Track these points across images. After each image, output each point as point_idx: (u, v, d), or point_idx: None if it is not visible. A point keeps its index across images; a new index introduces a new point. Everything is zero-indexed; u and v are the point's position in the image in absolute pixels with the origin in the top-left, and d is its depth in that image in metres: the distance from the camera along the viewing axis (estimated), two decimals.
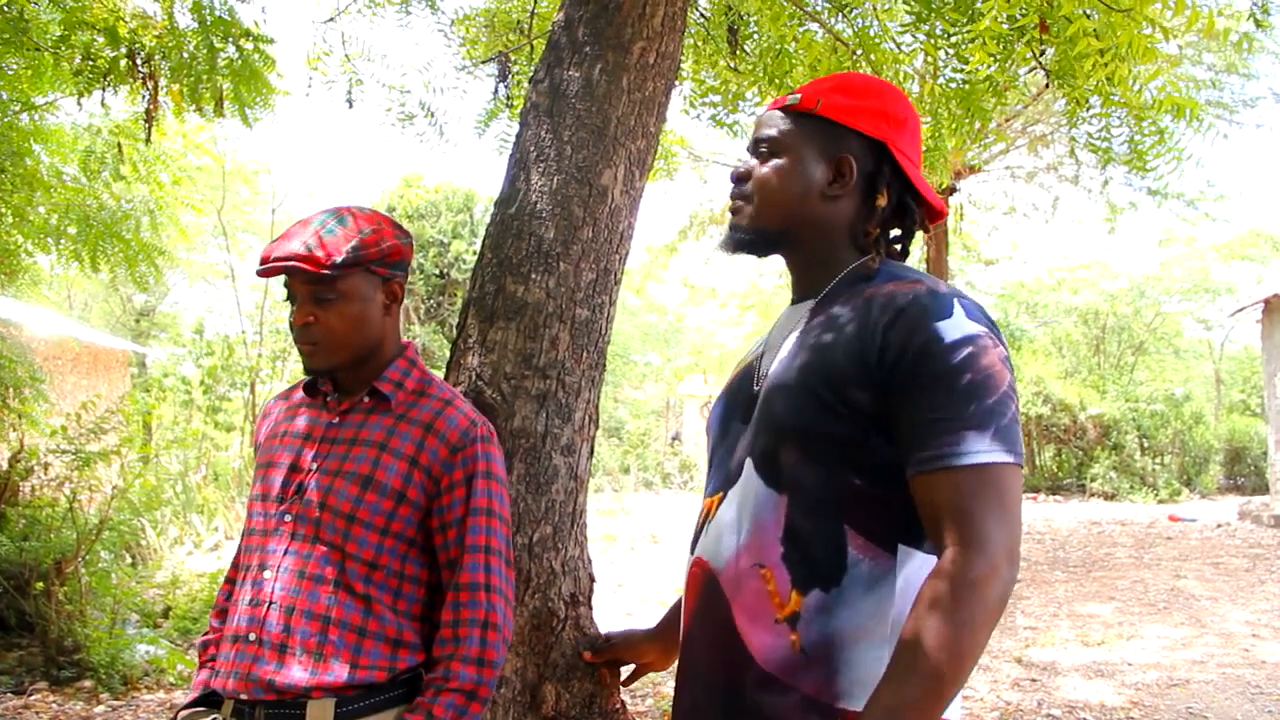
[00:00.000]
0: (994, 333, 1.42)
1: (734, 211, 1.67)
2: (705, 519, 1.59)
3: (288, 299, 1.91)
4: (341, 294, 1.85)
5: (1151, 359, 27.50)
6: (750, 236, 1.64)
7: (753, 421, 1.54)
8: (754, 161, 1.65)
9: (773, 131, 1.63)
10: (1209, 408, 24.65)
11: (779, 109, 1.66)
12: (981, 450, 1.31)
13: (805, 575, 1.41)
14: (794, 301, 1.68)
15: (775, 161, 1.61)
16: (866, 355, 1.40)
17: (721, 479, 1.58)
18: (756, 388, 1.58)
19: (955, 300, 1.43)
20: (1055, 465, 21.26)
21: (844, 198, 1.60)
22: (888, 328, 1.41)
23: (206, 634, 2.03)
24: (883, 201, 1.60)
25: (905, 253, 1.68)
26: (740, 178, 1.66)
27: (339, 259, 1.82)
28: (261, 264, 1.86)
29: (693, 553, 1.60)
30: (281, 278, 1.87)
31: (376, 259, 1.88)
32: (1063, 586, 9.36)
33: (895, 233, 1.67)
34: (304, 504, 1.84)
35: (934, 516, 1.33)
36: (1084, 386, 21.65)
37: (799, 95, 1.64)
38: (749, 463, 1.51)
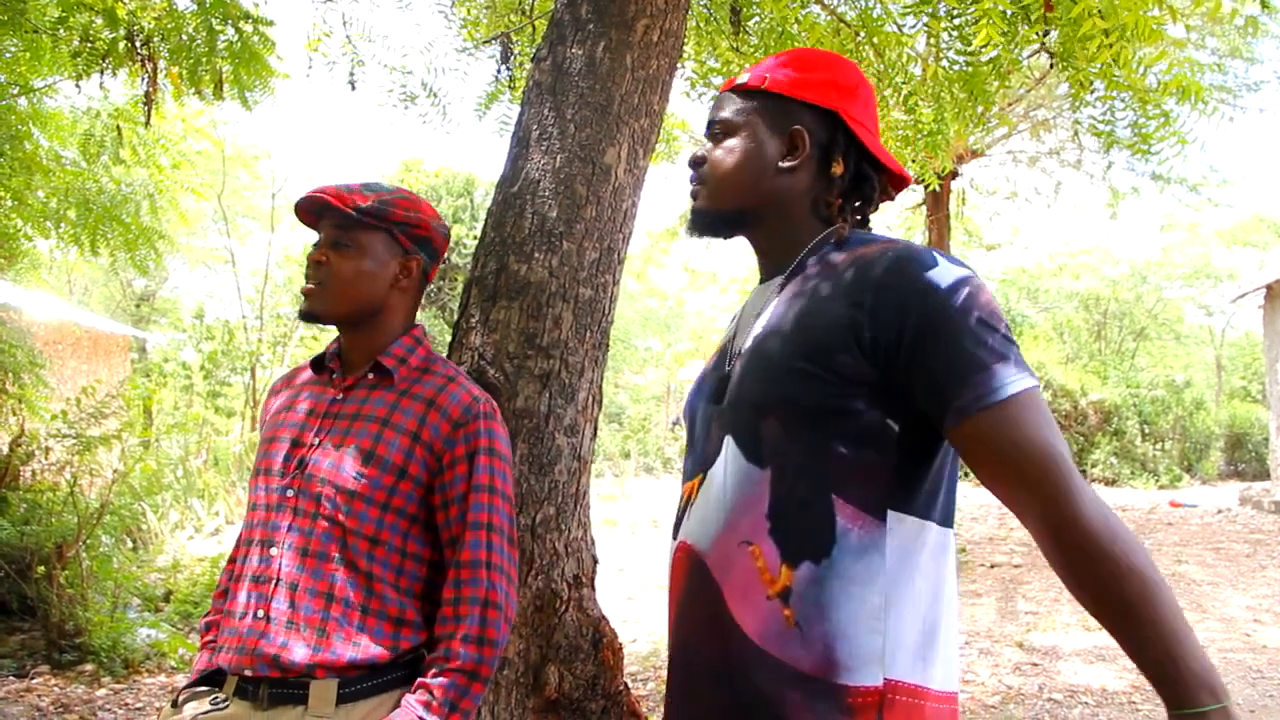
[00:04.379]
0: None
1: (692, 196, 1.66)
2: (686, 503, 1.57)
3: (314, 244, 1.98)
4: (359, 245, 1.92)
5: (1153, 345, 27.49)
6: (709, 219, 1.64)
7: (728, 400, 1.52)
8: (709, 145, 1.65)
9: (724, 113, 1.63)
10: (1210, 394, 24.66)
11: (730, 90, 1.66)
12: (1013, 380, 1.32)
13: (794, 549, 1.39)
14: (762, 280, 1.67)
15: (727, 142, 1.61)
16: (856, 320, 1.38)
17: (700, 461, 1.56)
18: (728, 368, 1.57)
19: (931, 250, 1.43)
20: None
21: (800, 170, 1.59)
22: (878, 289, 1.39)
23: (209, 615, 2.02)
24: (839, 170, 1.59)
25: (865, 223, 1.67)
26: (696, 162, 1.66)
27: (364, 205, 1.91)
28: (301, 198, 1.94)
29: (675, 538, 1.58)
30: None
31: (400, 221, 1.95)
32: None
33: (857, 203, 1.66)
34: (305, 479, 1.84)
35: (993, 457, 1.32)
36: (1085, 372, 21.65)
37: (747, 75, 1.64)
38: (729, 440, 1.49)
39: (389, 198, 1.94)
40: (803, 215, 1.60)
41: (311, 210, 1.95)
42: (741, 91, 1.63)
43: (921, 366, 1.35)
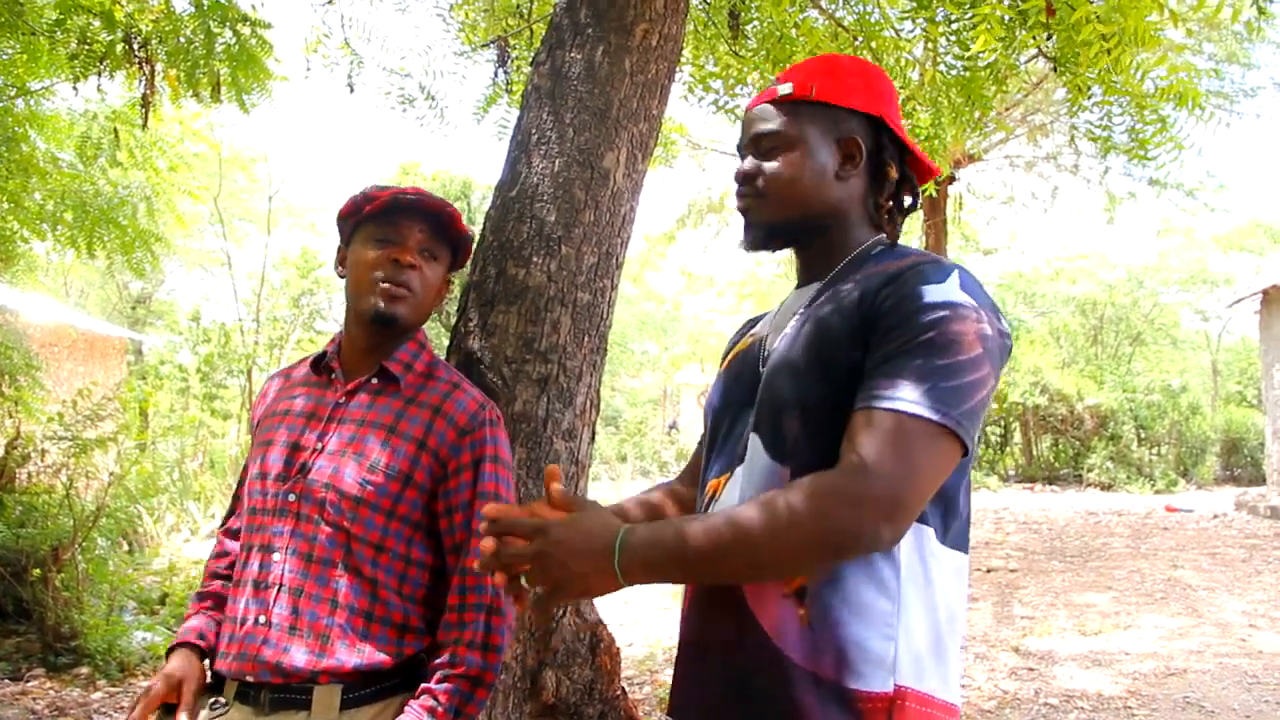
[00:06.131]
0: (988, 311, 1.41)
1: (746, 211, 1.64)
2: (710, 500, 1.57)
3: (384, 240, 1.91)
4: (439, 259, 1.98)
5: (1149, 349, 27.47)
6: (771, 230, 1.63)
7: (757, 399, 1.53)
8: (754, 160, 1.63)
9: (772, 126, 1.62)
10: (1206, 399, 24.65)
11: (769, 101, 1.64)
12: (909, 400, 1.30)
13: None
14: (800, 284, 1.67)
15: (784, 155, 1.60)
16: (865, 318, 1.41)
17: (728, 459, 1.57)
18: (762, 368, 1.57)
19: (955, 272, 1.43)
20: (1052, 455, 21.27)
21: (854, 177, 1.61)
22: (881, 288, 1.42)
23: (205, 589, 2.02)
24: (894, 174, 1.62)
25: (901, 221, 1.69)
26: (747, 176, 1.63)
27: (468, 234, 2.00)
28: (409, 192, 1.91)
29: None
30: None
31: (468, 252, 2.06)
32: (1060, 576, 9.35)
33: (898, 204, 1.68)
34: (308, 484, 1.83)
35: (846, 445, 1.33)
36: (1081, 377, 21.64)
37: (789, 85, 1.62)
38: (754, 439, 1.50)
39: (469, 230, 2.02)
40: (857, 223, 1.62)
41: (407, 211, 1.92)
42: (783, 103, 1.62)
43: (868, 358, 1.38)
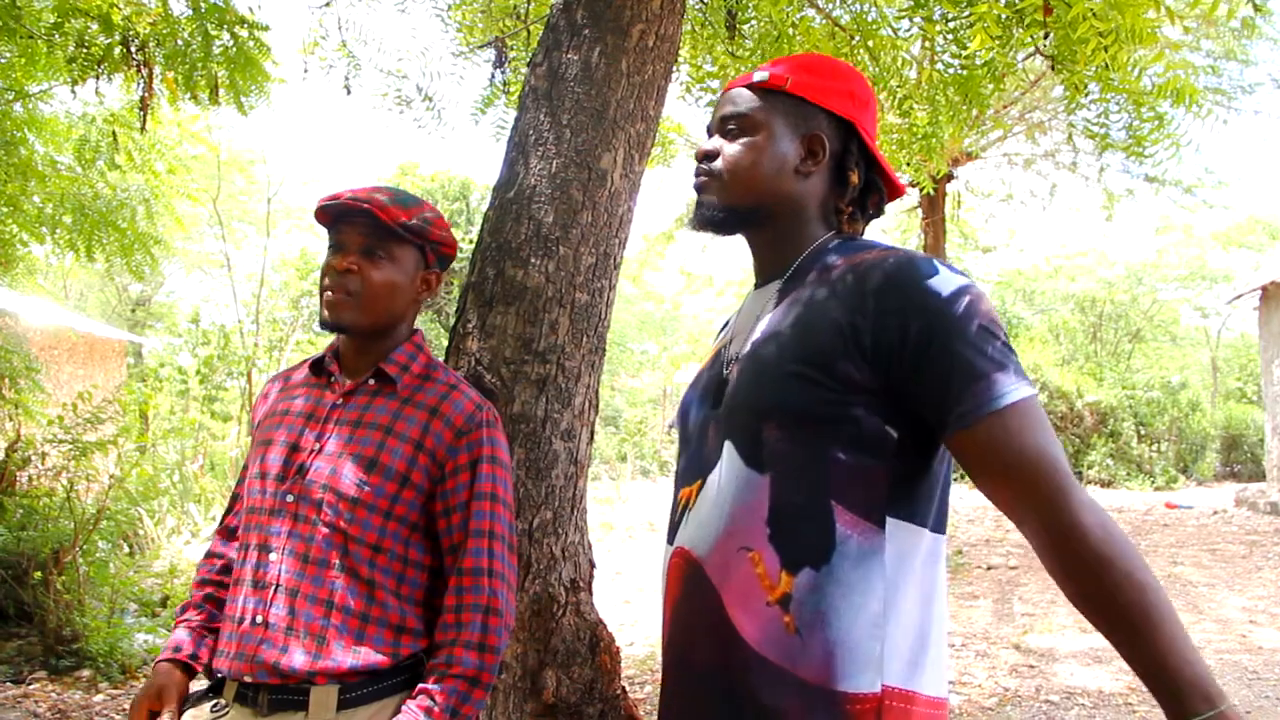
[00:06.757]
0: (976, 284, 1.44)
1: (701, 189, 1.63)
2: (683, 508, 1.56)
3: (332, 247, 1.93)
4: (392, 257, 1.92)
5: (1148, 346, 27.50)
6: (722, 214, 1.61)
7: (725, 405, 1.52)
8: (719, 140, 1.63)
9: (741, 109, 1.61)
10: (1206, 395, 24.66)
11: (745, 86, 1.64)
12: (1012, 388, 1.33)
13: (794, 555, 1.39)
14: (758, 284, 1.66)
15: (746, 139, 1.59)
16: (857, 326, 1.39)
17: (698, 466, 1.55)
18: (726, 372, 1.56)
19: (931, 259, 1.44)
20: None
21: (814, 175, 1.60)
22: (879, 295, 1.39)
23: (189, 599, 2.02)
24: (856, 179, 1.61)
25: (862, 229, 1.68)
26: (707, 156, 1.63)
27: (408, 221, 1.91)
28: (331, 200, 1.90)
29: (671, 544, 1.57)
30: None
31: (435, 240, 1.98)
32: None
33: (860, 213, 1.68)
34: (305, 485, 1.83)
35: (993, 464, 1.33)
36: (1081, 374, 21.63)
37: (766, 73, 1.62)
38: (728, 445, 1.48)
39: (429, 216, 1.96)
40: (812, 219, 1.61)
41: (344, 215, 1.92)
42: (758, 89, 1.62)
43: (922, 374, 1.36)
